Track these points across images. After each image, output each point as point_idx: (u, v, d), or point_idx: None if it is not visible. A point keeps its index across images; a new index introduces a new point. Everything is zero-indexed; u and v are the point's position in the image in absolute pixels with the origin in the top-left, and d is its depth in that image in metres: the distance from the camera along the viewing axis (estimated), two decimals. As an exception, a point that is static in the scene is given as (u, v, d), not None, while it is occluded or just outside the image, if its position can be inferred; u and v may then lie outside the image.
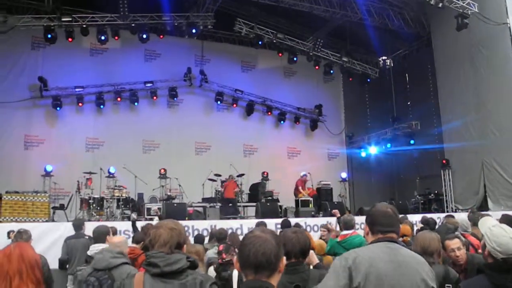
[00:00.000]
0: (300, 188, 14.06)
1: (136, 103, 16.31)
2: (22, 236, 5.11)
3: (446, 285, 3.38)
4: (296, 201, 13.54)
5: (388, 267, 2.37)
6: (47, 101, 15.21)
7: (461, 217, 6.95)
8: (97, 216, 11.73)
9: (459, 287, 3.26)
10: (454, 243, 3.71)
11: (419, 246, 3.61)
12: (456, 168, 15.98)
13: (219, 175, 14.30)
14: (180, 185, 13.91)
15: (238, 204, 13.54)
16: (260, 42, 16.74)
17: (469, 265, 3.80)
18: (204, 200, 14.03)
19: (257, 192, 13.99)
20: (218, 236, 6.06)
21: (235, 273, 3.64)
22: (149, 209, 11.97)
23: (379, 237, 2.52)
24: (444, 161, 16.29)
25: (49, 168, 13.52)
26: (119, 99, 16.03)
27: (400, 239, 3.31)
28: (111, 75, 16.02)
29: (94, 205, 11.96)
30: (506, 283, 2.59)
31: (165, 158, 15.58)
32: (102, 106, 15.82)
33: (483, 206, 14.15)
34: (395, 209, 2.65)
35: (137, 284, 2.49)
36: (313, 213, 13.10)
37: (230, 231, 8.54)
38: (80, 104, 15.56)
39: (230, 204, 13.15)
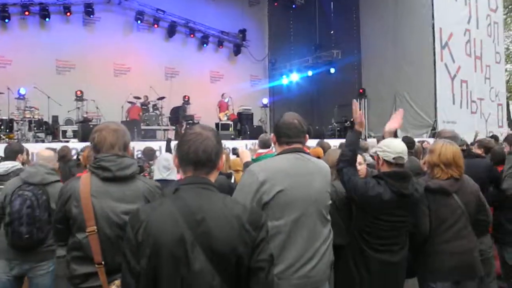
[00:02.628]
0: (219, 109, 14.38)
1: (47, 19, 14.96)
2: None
3: None
4: (216, 124, 13.69)
5: (298, 180, 2.53)
6: None
7: (372, 140, 7.79)
8: (7, 139, 11.12)
9: None
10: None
11: (330, 161, 3.89)
12: (371, 98, 16.92)
13: (139, 98, 14.03)
14: (97, 108, 13.47)
15: (158, 127, 13.54)
16: (183, -41, 15.87)
17: (369, 177, 4.26)
18: (123, 123, 13.76)
19: (178, 116, 13.90)
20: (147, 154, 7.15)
21: None
22: (64, 132, 11.57)
23: (285, 148, 2.68)
24: (361, 91, 17.08)
25: None
26: (27, 13, 14.57)
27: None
28: (17, -14, 14.47)
29: (2, 127, 11.29)
30: (401, 190, 2.99)
31: (82, 79, 14.67)
32: (7, 20, 14.31)
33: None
34: (302, 119, 2.75)
35: (83, 185, 2.39)
36: (232, 136, 13.42)
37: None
38: (-20, 17, 14.06)
39: (135, 127, 13.00)
